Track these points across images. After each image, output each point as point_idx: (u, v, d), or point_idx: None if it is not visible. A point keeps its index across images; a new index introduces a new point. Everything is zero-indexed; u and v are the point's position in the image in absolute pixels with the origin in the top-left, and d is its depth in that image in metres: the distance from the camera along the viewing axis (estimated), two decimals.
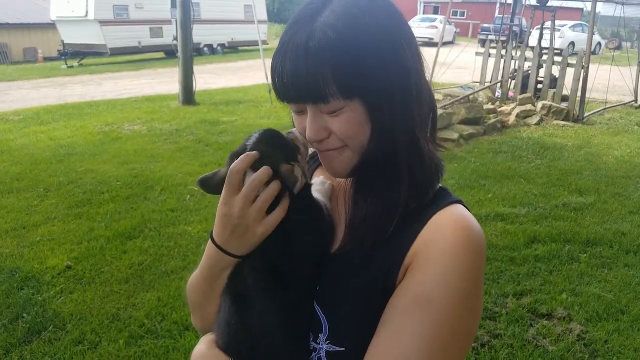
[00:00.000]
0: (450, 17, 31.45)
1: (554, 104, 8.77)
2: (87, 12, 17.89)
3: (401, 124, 0.75)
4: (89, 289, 3.27)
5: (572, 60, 8.74)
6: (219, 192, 0.78)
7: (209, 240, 0.82)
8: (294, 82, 0.73)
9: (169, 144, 6.92)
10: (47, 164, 5.89)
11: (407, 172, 0.76)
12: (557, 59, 8.98)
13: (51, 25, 19.96)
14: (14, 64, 20.27)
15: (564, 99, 8.99)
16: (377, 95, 0.73)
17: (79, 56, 19.09)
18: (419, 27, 26.95)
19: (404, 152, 0.76)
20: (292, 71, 0.72)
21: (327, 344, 0.78)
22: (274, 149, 0.78)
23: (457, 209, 0.78)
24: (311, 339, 0.80)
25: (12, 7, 22.93)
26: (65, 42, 19.03)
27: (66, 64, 18.35)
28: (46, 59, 21.50)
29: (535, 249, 3.86)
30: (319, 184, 0.88)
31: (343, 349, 0.77)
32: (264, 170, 0.74)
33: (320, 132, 0.77)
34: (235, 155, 0.77)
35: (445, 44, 14.03)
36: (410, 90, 0.75)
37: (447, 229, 0.74)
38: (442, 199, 0.79)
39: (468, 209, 0.80)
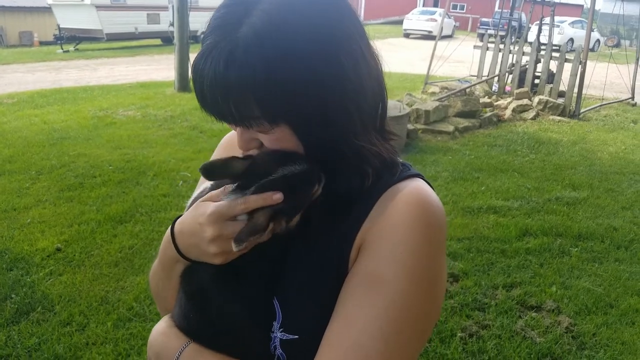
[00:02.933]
0: (450, 10, 31.38)
1: (550, 99, 8.77)
2: None
3: (339, 135, 0.69)
4: (78, 271, 3.25)
5: (570, 56, 8.73)
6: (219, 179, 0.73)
7: (170, 229, 0.77)
8: (214, 103, 0.65)
9: (163, 130, 6.88)
10: (40, 147, 5.84)
11: (354, 172, 0.72)
12: (555, 54, 8.96)
13: (47, 9, 19.74)
14: (9, 48, 20.08)
15: (561, 94, 8.99)
16: (305, 118, 0.66)
17: (75, 41, 18.91)
18: (418, 19, 26.85)
19: (346, 158, 0.71)
20: (212, 90, 0.64)
21: (280, 332, 0.74)
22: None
23: (413, 182, 0.73)
24: None
25: None
26: (61, 26, 18.84)
27: (62, 49, 18.16)
28: (42, 43, 21.31)
29: (526, 242, 3.86)
30: None
31: (297, 337, 0.73)
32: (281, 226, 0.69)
33: (251, 142, 0.72)
34: (251, 178, 0.69)
35: (444, 37, 13.97)
36: (346, 99, 0.68)
37: (400, 201, 0.69)
38: (400, 172, 0.75)
39: (429, 184, 0.75)
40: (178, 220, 0.77)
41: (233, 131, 0.99)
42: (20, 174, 4.96)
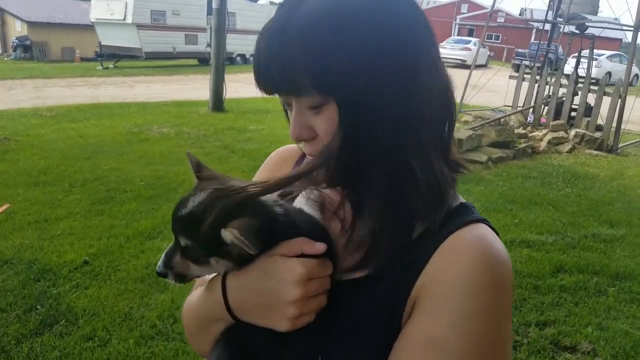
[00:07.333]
0: (485, 40, 31.29)
1: (587, 132, 8.56)
2: (125, 15, 18.35)
3: (388, 132, 0.62)
4: (104, 285, 3.26)
5: (609, 89, 8.55)
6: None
7: (219, 287, 0.68)
8: (267, 69, 0.63)
9: (195, 149, 6.96)
10: (75, 160, 5.98)
11: (392, 194, 0.64)
12: (594, 87, 8.79)
13: (90, 27, 20.52)
14: (51, 62, 20.86)
15: (598, 128, 8.78)
16: (354, 98, 0.61)
17: (114, 58, 19.56)
18: (453, 48, 26.81)
19: (391, 172, 0.64)
20: (266, 57, 0.63)
21: None
22: None
23: (479, 229, 0.65)
24: None
25: (54, 7, 23.73)
26: (102, 43, 19.54)
27: (102, 65, 18.80)
28: (83, 59, 22.10)
29: (561, 279, 3.71)
30: (304, 194, 0.73)
31: None
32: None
33: (303, 130, 0.66)
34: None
35: (478, 66, 13.88)
36: (404, 87, 0.62)
37: (464, 255, 0.62)
38: (462, 216, 0.67)
39: (495, 231, 0.67)
40: (233, 274, 0.67)
41: (283, 147, 0.93)
42: (53, 186, 5.06)
